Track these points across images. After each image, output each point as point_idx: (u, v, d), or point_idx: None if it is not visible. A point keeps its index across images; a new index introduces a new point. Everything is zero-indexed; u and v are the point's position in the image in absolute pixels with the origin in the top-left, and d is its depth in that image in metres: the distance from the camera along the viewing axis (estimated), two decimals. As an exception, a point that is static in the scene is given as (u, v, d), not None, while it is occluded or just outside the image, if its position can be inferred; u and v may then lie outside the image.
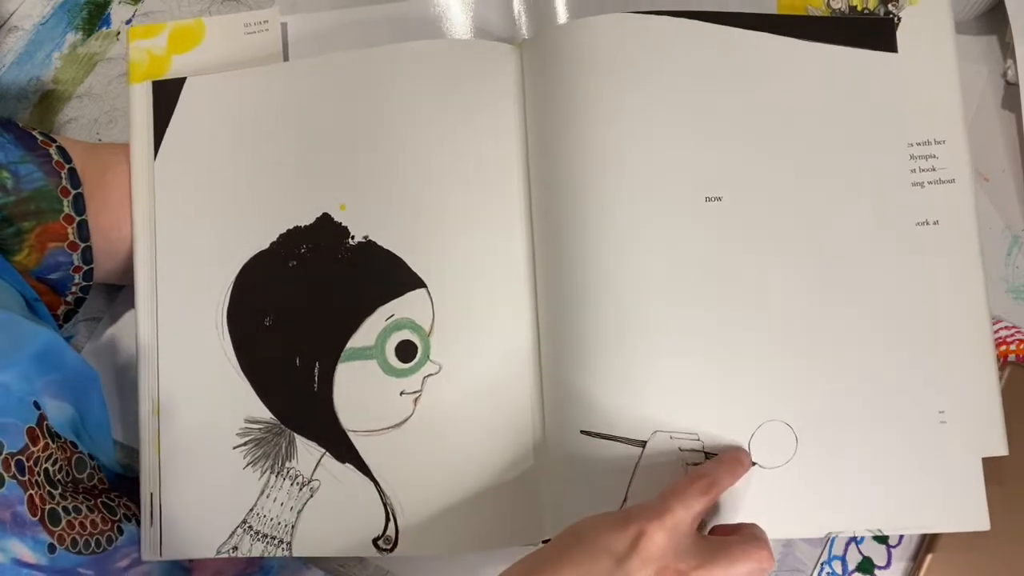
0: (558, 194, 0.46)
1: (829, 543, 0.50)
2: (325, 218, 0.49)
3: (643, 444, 0.44)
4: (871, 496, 0.44)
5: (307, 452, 0.48)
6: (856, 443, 0.44)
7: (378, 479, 0.47)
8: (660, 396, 0.44)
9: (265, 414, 0.48)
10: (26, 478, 0.41)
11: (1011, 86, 0.54)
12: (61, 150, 0.49)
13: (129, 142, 0.51)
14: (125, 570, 0.46)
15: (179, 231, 0.50)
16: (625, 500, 0.44)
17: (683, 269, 0.45)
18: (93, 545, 0.44)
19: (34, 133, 0.49)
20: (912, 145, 0.47)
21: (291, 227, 0.49)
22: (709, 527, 0.44)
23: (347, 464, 0.47)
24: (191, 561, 0.50)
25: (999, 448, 0.44)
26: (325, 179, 0.49)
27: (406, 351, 0.47)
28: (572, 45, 0.47)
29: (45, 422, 0.43)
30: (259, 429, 0.48)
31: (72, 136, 0.59)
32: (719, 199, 0.46)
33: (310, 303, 0.48)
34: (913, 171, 0.46)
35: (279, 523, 0.47)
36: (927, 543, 0.48)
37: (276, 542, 0.47)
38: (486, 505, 0.46)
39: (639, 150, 0.46)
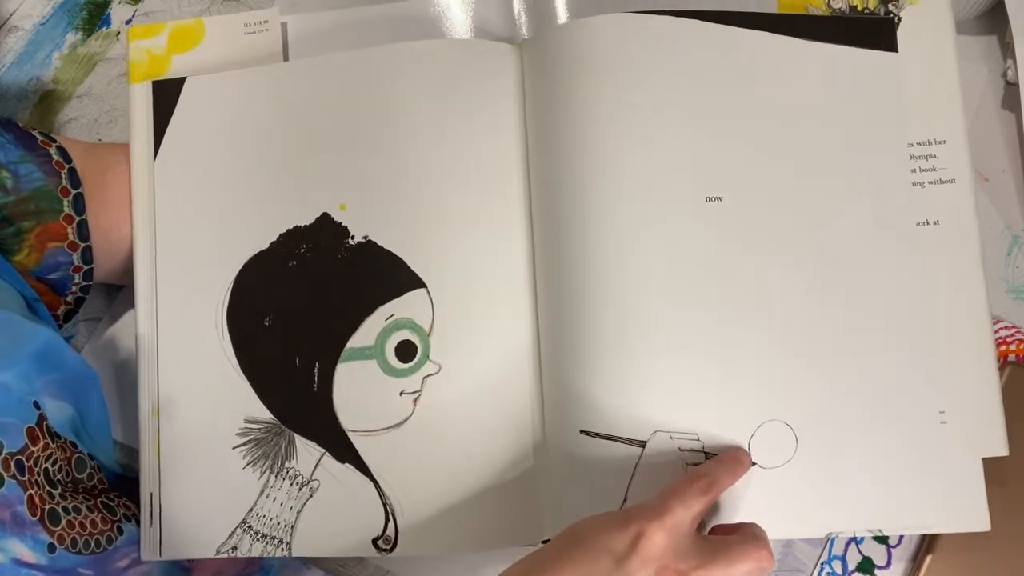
0: (558, 194, 0.46)
1: (829, 543, 0.50)
2: (325, 218, 0.49)
3: (643, 444, 0.44)
4: (871, 496, 0.44)
5: (307, 452, 0.48)
6: (856, 443, 0.44)
7: (378, 479, 0.47)
8: (660, 396, 0.44)
9: (265, 414, 0.48)
10: (26, 478, 0.41)
11: (1011, 86, 0.54)
12: (61, 150, 0.49)
13: (129, 142, 0.51)
14: (125, 570, 0.46)
15: (179, 231, 0.50)
16: (625, 500, 0.44)
17: (683, 269, 0.45)
18: (93, 545, 0.44)
19: (34, 133, 0.49)
20: (912, 145, 0.47)
21: (291, 227, 0.49)
22: (709, 527, 0.44)
23: (347, 464, 0.47)
24: (191, 561, 0.50)
25: (999, 448, 0.44)
26: (325, 179, 0.49)
27: (406, 351, 0.47)
28: (572, 45, 0.47)
29: (45, 422, 0.43)
30: (259, 429, 0.48)
31: (72, 136, 0.60)
32: (719, 199, 0.46)
33: (310, 303, 0.48)
34: (913, 171, 0.46)
35: (279, 523, 0.47)
36: (927, 543, 0.48)
37: (276, 542, 0.47)
38: (486, 505, 0.46)
39: (639, 150, 0.46)
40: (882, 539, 0.49)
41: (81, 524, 0.43)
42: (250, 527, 0.47)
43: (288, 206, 0.49)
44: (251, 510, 0.48)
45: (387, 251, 0.48)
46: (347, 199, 0.49)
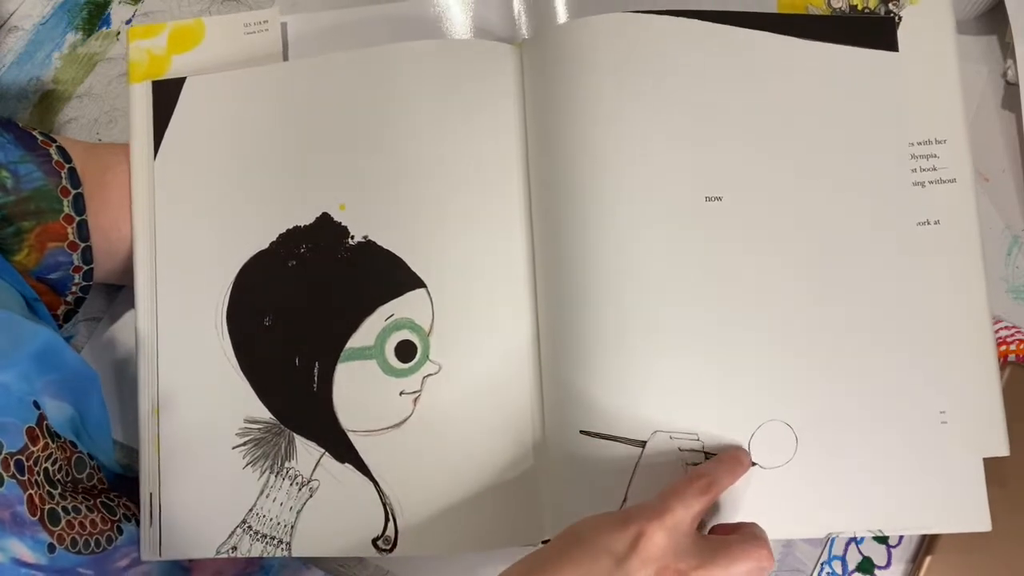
0: (558, 194, 0.46)
1: (829, 543, 0.50)
2: (325, 218, 0.49)
3: (643, 444, 0.44)
4: (871, 496, 0.44)
5: (306, 452, 0.48)
6: (856, 443, 0.44)
7: (377, 479, 0.47)
8: (660, 396, 0.44)
9: (264, 414, 0.48)
10: (25, 478, 0.41)
11: (1011, 86, 0.54)
12: (61, 150, 0.49)
13: (129, 142, 0.51)
14: (124, 570, 0.46)
15: (179, 231, 0.50)
16: (625, 500, 0.44)
17: (683, 269, 0.45)
18: (93, 545, 0.44)
19: (34, 133, 0.49)
20: (913, 144, 0.47)
21: (291, 227, 0.49)
22: (709, 527, 0.44)
23: (346, 464, 0.47)
24: (191, 561, 0.50)
25: (1000, 448, 0.44)
26: (325, 179, 0.49)
27: (406, 351, 0.47)
28: (572, 45, 0.47)
29: (45, 422, 0.43)
30: (258, 429, 0.48)
31: (72, 136, 0.60)
32: (719, 199, 0.46)
33: (310, 303, 0.48)
34: (914, 171, 0.46)
35: (278, 523, 0.47)
36: (927, 543, 0.48)
37: (275, 542, 0.47)
38: (486, 505, 0.46)
39: (639, 150, 0.46)
40: (882, 539, 0.49)
41: (81, 524, 0.43)
42: (250, 527, 0.47)
43: (288, 206, 0.49)
44: (251, 510, 0.48)
45: (387, 251, 0.48)
46: (347, 199, 0.49)
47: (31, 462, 0.42)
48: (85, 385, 0.47)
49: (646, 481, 0.44)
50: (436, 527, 0.46)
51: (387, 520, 0.46)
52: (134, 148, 0.51)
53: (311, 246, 0.49)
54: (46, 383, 0.44)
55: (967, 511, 0.44)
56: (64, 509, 0.43)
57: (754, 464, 0.44)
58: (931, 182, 0.46)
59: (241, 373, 0.48)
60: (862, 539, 0.49)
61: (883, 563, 0.49)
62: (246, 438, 0.48)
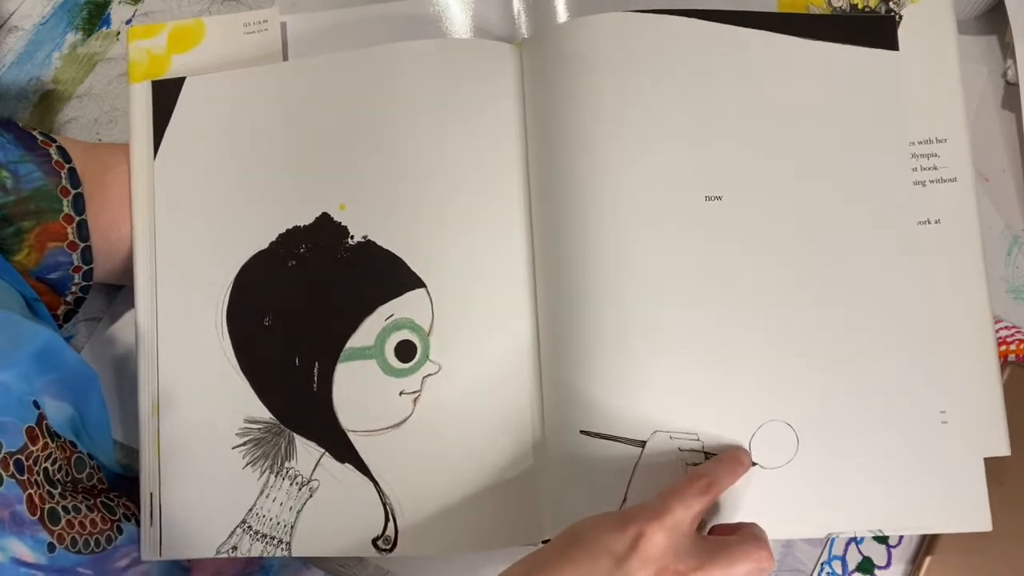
0: (558, 193, 0.46)
1: (829, 543, 0.50)
2: (324, 218, 0.49)
3: (643, 444, 0.44)
4: (872, 496, 0.44)
5: (306, 452, 0.47)
6: (857, 443, 0.44)
7: (377, 479, 0.47)
8: (660, 396, 0.44)
9: (264, 414, 0.48)
10: (25, 477, 0.41)
11: (1011, 86, 0.54)
12: (61, 150, 0.49)
13: (129, 142, 0.51)
14: (124, 570, 0.46)
15: (179, 231, 0.50)
16: (625, 500, 0.44)
17: (683, 269, 0.45)
18: (92, 544, 0.44)
19: (34, 133, 0.49)
20: (913, 144, 0.46)
21: (290, 227, 0.49)
22: (709, 527, 0.44)
23: (346, 464, 0.47)
24: (190, 561, 0.50)
25: (1001, 448, 0.44)
26: (325, 179, 0.49)
27: (405, 351, 0.47)
28: (572, 44, 0.47)
29: (44, 422, 0.43)
30: (258, 429, 0.48)
31: (72, 136, 0.60)
32: (719, 198, 0.46)
33: (309, 303, 0.48)
34: (914, 170, 0.46)
35: (278, 523, 0.47)
36: (927, 543, 0.48)
37: (275, 542, 0.47)
38: (486, 505, 0.46)
39: (639, 149, 0.46)
40: (882, 539, 0.49)
41: (81, 524, 0.43)
42: (250, 527, 0.47)
43: (288, 206, 0.49)
44: (251, 510, 0.48)
45: (387, 251, 0.48)
46: (347, 199, 0.48)
47: (31, 462, 0.42)
48: (85, 385, 0.47)
49: (646, 481, 0.44)
50: (436, 527, 0.46)
51: (387, 520, 0.46)
52: (134, 148, 0.51)
53: (311, 246, 0.49)
54: (46, 383, 0.44)
55: (967, 511, 0.44)
56: (64, 509, 0.43)
57: (754, 464, 0.44)
58: (931, 181, 0.46)
59: (241, 373, 0.48)
60: (862, 539, 0.49)
61: (883, 563, 0.49)
62: (246, 438, 0.48)
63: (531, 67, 0.48)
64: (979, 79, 0.55)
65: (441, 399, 0.46)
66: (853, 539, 0.49)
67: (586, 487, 0.45)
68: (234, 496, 0.48)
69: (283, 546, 0.47)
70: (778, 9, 0.50)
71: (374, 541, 0.46)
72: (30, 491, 0.41)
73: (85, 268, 0.49)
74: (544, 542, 0.46)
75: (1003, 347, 0.51)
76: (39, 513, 0.41)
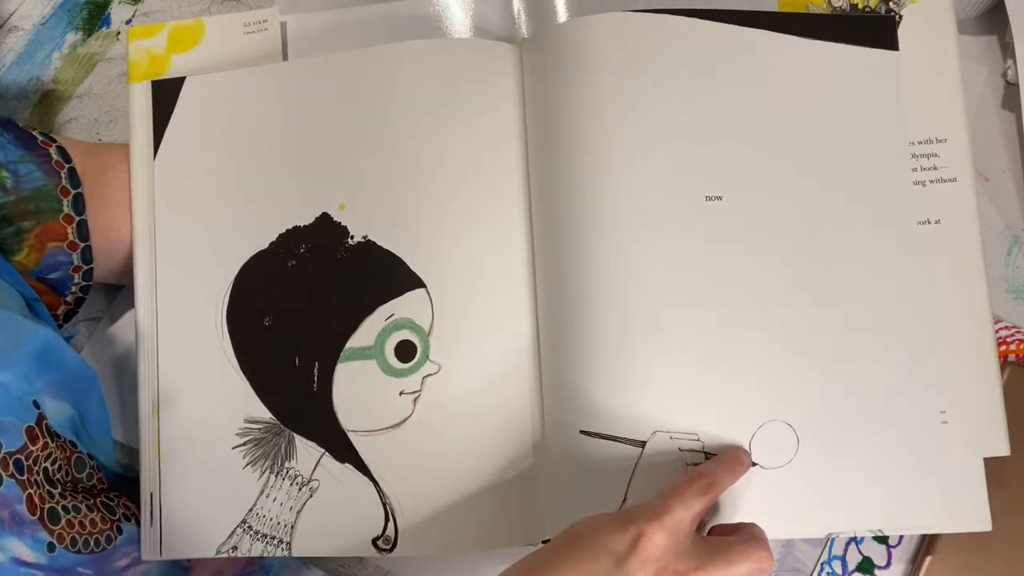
0: (558, 193, 0.46)
1: (829, 543, 0.50)
2: (324, 218, 0.49)
3: (643, 444, 0.44)
4: (872, 496, 0.44)
5: (306, 452, 0.47)
6: (857, 443, 0.44)
7: (377, 479, 0.47)
8: (660, 396, 0.44)
9: (265, 414, 0.48)
10: (25, 477, 0.41)
11: (1011, 86, 0.54)
12: (61, 150, 0.49)
13: (129, 142, 0.51)
14: (124, 569, 0.46)
15: (179, 231, 0.50)
16: (625, 500, 0.44)
17: (683, 269, 0.45)
18: (92, 544, 0.44)
19: (34, 133, 0.49)
20: (913, 144, 0.46)
21: (290, 227, 0.49)
22: (709, 527, 0.44)
23: (346, 464, 0.47)
24: (190, 561, 0.50)
25: (1000, 448, 0.44)
26: (324, 179, 0.49)
27: (405, 351, 0.47)
28: (572, 44, 0.47)
29: (44, 421, 0.43)
30: (259, 429, 0.48)
31: (72, 136, 0.60)
32: (719, 198, 0.46)
33: (309, 303, 0.48)
34: (914, 170, 0.46)
35: (279, 523, 0.47)
36: (927, 543, 0.48)
37: (276, 542, 0.47)
38: (486, 505, 0.46)
39: (639, 149, 0.46)
40: (882, 539, 0.49)
41: (80, 523, 0.43)
42: (250, 527, 0.47)
43: (288, 206, 0.49)
44: (251, 510, 0.48)
45: (387, 251, 0.48)
46: (347, 199, 0.48)
47: (30, 461, 0.42)
48: (85, 385, 0.47)
49: (646, 481, 0.44)
50: (436, 527, 0.46)
51: (387, 520, 0.46)
52: (134, 148, 0.51)
53: (311, 246, 0.49)
54: (46, 383, 0.44)
55: (967, 511, 0.44)
56: (64, 508, 0.43)
57: (755, 464, 0.44)
58: (931, 181, 0.46)
59: (241, 373, 0.48)
60: (862, 539, 0.49)
61: (883, 563, 0.49)
62: (246, 438, 0.48)
63: (531, 67, 0.48)
64: (979, 79, 0.55)
65: (441, 399, 0.46)
66: (853, 539, 0.49)
67: (586, 487, 0.45)
68: (234, 496, 0.48)
69: (283, 546, 0.47)
70: (778, 8, 0.50)
71: (374, 541, 0.46)
72: (30, 491, 0.41)
73: (85, 268, 0.49)
74: (544, 542, 0.46)
75: (1003, 347, 0.51)
76: (39, 513, 0.41)
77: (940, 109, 0.47)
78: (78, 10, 0.62)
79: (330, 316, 0.48)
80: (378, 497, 0.47)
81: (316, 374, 0.48)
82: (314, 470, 0.47)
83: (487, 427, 0.46)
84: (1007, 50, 0.54)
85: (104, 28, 0.62)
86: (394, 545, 0.46)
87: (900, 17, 0.48)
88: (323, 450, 0.47)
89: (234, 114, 0.50)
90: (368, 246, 0.48)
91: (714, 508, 0.44)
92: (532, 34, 0.54)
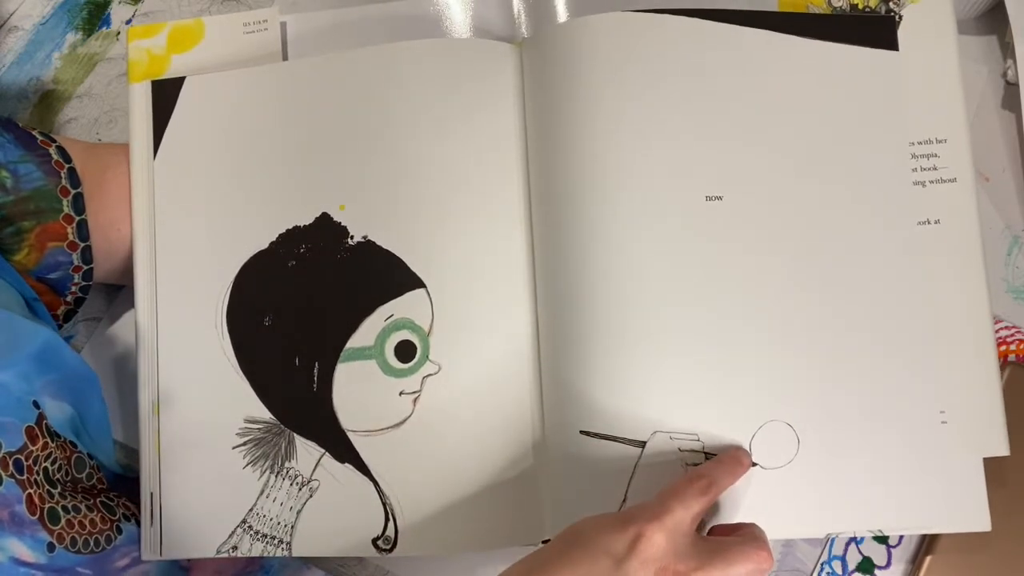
0: (558, 193, 0.46)
1: (829, 543, 0.50)
2: (324, 218, 0.49)
3: (643, 444, 0.44)
4: (872, 496, 0.44)
5: (306, 452, 0.47)
6: (857, 443, 0.44)
7: (377, 479, 0.47)
8: (660, 396, 0.44)
9: (265, 414, 0.48)
10: (25, 477, 0.41)
11: (1011, 86, 0.54)
12: (61, 150, 0.49)
13: (129, 142, 0.51)
14: (124, 569, 0.46)
15: (178, 231, 0.50)
16: (625, 500, 0.44)
17: (683, 269, 0.45)
18: (92, 544, 0.44)
19: (34, 133, 0.49)
20: (913, 144, 0.46)
21: (290, 227, 0.49)
22: (708, 527, 0.44)
23: (346, 464, 0.47)
24: (190, 560, 0.50)
25: (1000, 448, 0.44)
26: (324, 179, 0.49)
27: (405, 351, 0.47)
28: (572, 44, 0.47)
29: (44, 421, 0.43)
30: (259, 429, 0.48)
31: (72, 136, 0.60)
32: (719, 198, 0.46)
33: (309, 303, 0.48)
34: (914, 170, 0.46)
35: (279, 523, 0.47)
36: (927, 543, 0.48)
37: (276, 542, 0.47)
38: (486, 505, 0.46)
39: (639, 149, 0.46)
40: (882, 539, 0.49)
41: (80, 523, 0.43)
42: (250, 527, 0.47)
43: (287, 206, 0.49)
44: (251, 510, 0.48)
45: (386, 251, 0.48)
46: (347, 199, 0.48)
47: (30, 461, 0.42)
48: (85, 385, 0.47)
49: (646, 481, 0.44)
50: (436, 527, 0.46)
51: (387, 520, 0.46)
52: (134, 148, 0.51)
53: (311, 246, 0.49)
54: (46, 383, 0.44)
55: (967, 511, 0.44)
56: (64, 508, 0.43)
57: (755, 465, 0.44)
58: (931, 182, 0.46)
59: (241, 373, 0.48)
60: (862, 539, 0.49)
61: (883, 563, 0.49)
62: (246, 438, 0.48)
63: (531, 67, 0.48)
64: (979, 79, 0.55)
65: (441, 399, 0.46)
66: (853, 539, 0.49)
67: (586, 487, 0.45)
68: (234, 496, 0.48)
69: (283, 546, 0.47)
70: (778, 8, 0.50)
71: (374, 541, 0.46)
72: (30, 491, 0.41)
73: (85, 268, 0.49)
74: (544, 542, 0.46)
75: (1003, 347, 0.51)
76: (39, 513, 0.41)
77: (940, 109, 0.47)
78: (78, 10, 0.62)
79: (330, 316, 0.48)
80: (378, 497, 0.47)
81: (316, 374, 0.48)
82: (314, 470, 0.47)
83: (487, 427, 0.46)
84: (1007, 50, 0.54)
85: (104, 28, 0.62)
86: (394, 545, 0.46)
87: (900, 17, 0.48)
88: (323, 450, 0.47)
89: (234, 114, 0.50)
90: (368, 246, 0.48)
91: (714, 508, 0.44)
92: (532, 34, 0.54)
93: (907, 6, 0.48)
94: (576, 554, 0.38)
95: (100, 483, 0.48)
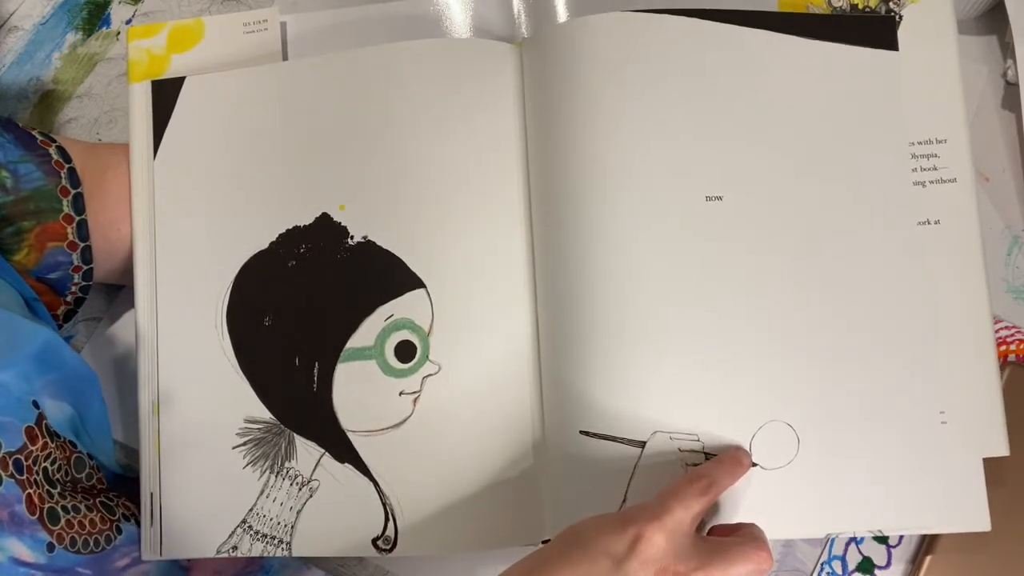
0: (558, 193, 0.46)
1: (829, 543, 0.50)
2: (324, 218, 0.49)
3: (642, 445, 0.44)
4: (872, 496, 0.44)
5: (306, 452, 0.47)
6: (857, 443, 0.44)
7: (377, 479, 0.47)
8: (660, 396, 0.44)
9: (265, 414, 0.48)
10: (24, 477, 0.41)
11: (1011, 86, 0.54)
12: (61, 150, 0.49)
13: (129, 142, 0.51)
14: (123, 569, 0.46)
15: (178, 231, 0.50)
16: (624, 500, 0.44)
17: (683, 269, 0.45)
18: (92, 544, 0.44)
19: (34, 133, 0.49)
20: (913, 144, 0.46)
21: (290, 227, 0.49)
22: (708, 527, 0.44)
23: (346, 464, 0.47)
24: (190, 560, 0.50)
25: (1000, 448, 0.44)
26: (324, 179, 0.49)
27: (405, 351, 0.47)
28: (572, 44, 0.47)
29: (44, 421, 0.43)
30: (259, 429, 0.48)
31: (72, 136, 0.60)
32: (719, 198, 0.46)
33: (309, 303, 0.48)
34: (914, 170, 0.46)
35: (279, 523, 0.47)
36: (927, 543, 0.48)
37: (276, 542, 0.47)
38: (485, 505, 0.46)
39: (639, 149, 0.46)
40: (882, 539, 0.49)
41: (80, 523, 0.43)
42: (250, 527, 0.47)
43: (287, 206, 0.49)
44: (251, 510, 0.48)
45: (386, 251, 0.48)
46: (347, 199, 0.48)
47: (30, 461, 0.42)
48: (84, 385, 0.47)
49: (646, 481, 0.44)
50: (436, 527, 0.46)
51: (387, 520, 0.46)
52: (134, 148, 0.51)
53: (311, 246, 0.49)
54: (45, 383, 0.44)
55: (967, 511, 0.44)
56: (63, 508, 0.43)
57: (755, 465, 0.44)
58: (931, 182, 0.46)
59: (241, 373, 0.48)
60: (862, 539, 0.49)
61: (883, 563, 0.49)
62: (246, 438, 0.48)
63: (531, 67, 0.48)
64: (979, 79, 0.55)
65: (441, 399, 0.46)
66: (853, 539, 0.49)
67: (586, 487, 0.45)
68: (234, 496, 0.48)
69: (283, 546, 0.47)
70: (778, 8, 0.50)
71: (374, 541, 0.46)
72: (29, 491, 0.41)
73: (85, 268, 0.49)
74: (544, 542, 0.46)
75: (1003, 347, 0.51)
76: (38, 513, 0.41)
77: (940, 109, 0.47)
78: (78, 10, 0.62)
79: (330, 316, 0.48)
80: (378, 497, 0.47)
81: (316, 374, 0.48)
82: (314, 470, 0.47)
83: (487, 427, 0.46)
84: (1007, 50, 0.54)
85: (104, 28, 0.62)
86: (394, 545, 0.46)
87: (900, 17, 0.48)
88: (323, 450, 0.47)
89: (234, 114, 0.50)
90: (368, 246, 0.48)
91: (714, 508, 0.44)
92: (532, 34, 0.54)
93: (907, 6, 0.48)
94: (576, 554, 0.38)
95: (100, 483, 0.48)
